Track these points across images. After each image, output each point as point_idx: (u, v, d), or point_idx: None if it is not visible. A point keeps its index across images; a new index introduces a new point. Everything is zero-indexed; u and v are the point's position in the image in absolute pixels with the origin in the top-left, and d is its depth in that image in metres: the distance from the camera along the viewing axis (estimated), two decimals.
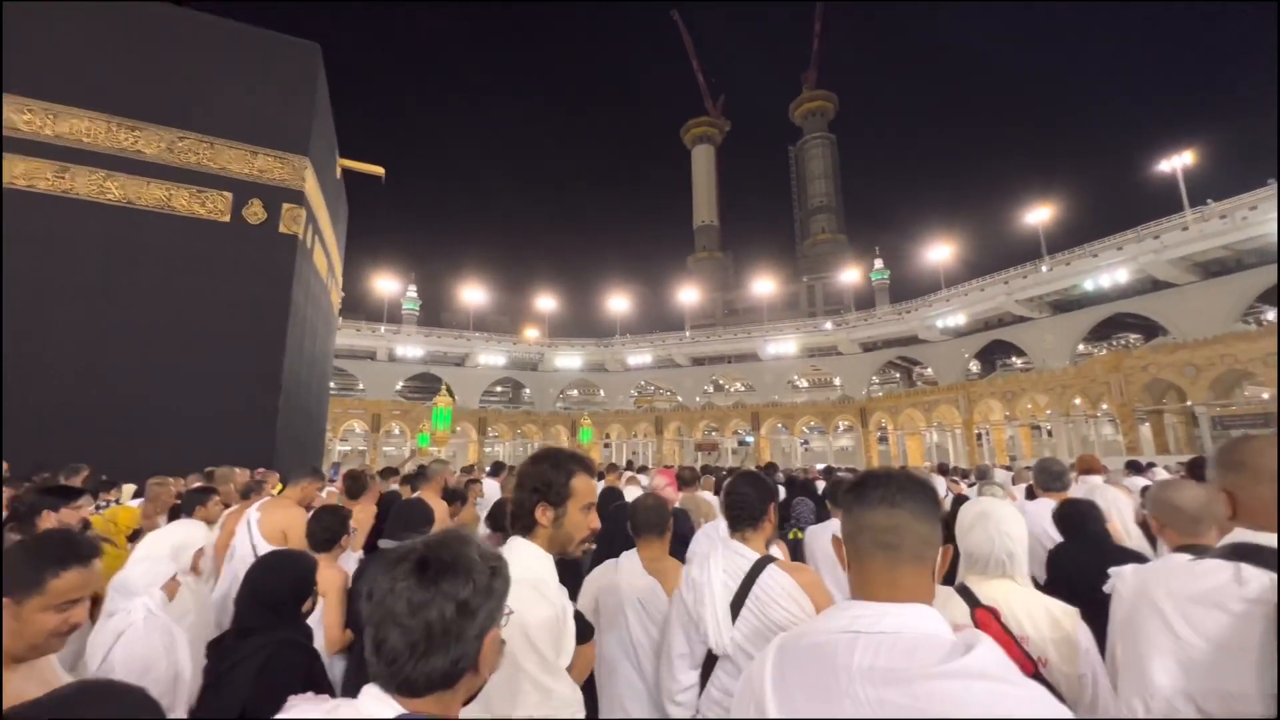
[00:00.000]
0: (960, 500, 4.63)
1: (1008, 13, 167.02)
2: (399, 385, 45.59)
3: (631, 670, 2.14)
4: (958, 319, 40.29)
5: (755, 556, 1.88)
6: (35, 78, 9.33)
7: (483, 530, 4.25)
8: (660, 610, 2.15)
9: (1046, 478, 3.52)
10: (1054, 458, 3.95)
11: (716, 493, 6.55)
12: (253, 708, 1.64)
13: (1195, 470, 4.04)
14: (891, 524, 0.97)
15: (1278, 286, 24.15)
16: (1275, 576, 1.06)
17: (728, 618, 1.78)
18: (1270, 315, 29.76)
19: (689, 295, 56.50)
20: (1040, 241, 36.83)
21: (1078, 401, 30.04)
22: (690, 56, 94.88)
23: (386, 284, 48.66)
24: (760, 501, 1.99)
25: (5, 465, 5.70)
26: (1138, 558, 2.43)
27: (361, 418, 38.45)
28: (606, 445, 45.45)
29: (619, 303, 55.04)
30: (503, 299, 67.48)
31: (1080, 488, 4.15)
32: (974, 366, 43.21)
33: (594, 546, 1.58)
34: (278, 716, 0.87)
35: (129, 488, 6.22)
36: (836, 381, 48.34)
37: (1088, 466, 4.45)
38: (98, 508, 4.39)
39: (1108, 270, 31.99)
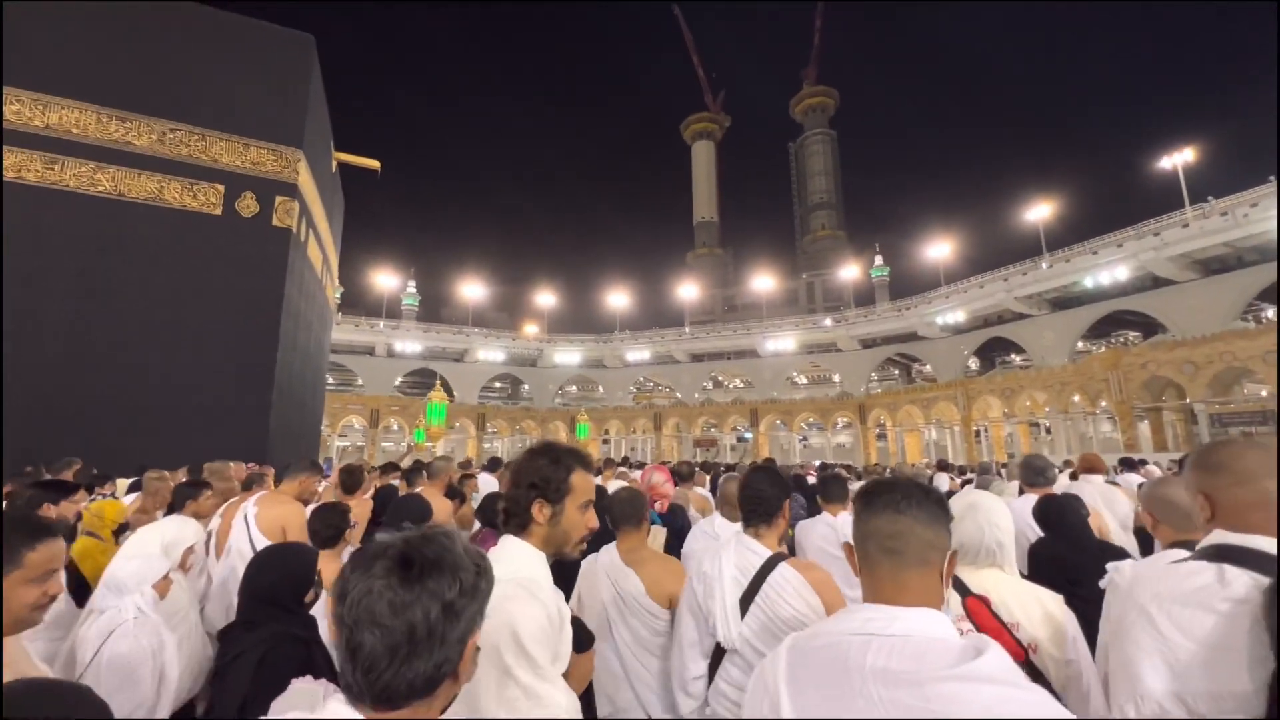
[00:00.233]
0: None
1: (1008, 10, 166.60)
2: (398, 381, 45.52)
3: (612, 657, 2.16)
4: (957, 316, 40.22)
5: (767, 553, 1.89)
6: (25, 68, 9.24)
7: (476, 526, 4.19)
8: (635, 600, 2.17)
9: (1030, 474, 3.50)
10: (1038, 454, 3.95)
11: (712, 489, 6.55)
12: (253, 698, 1.70)
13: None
14: (896, 530, 1.01)
15: (1278, 284, 24.14)
16: (1257, 577, 1.08)
17: (736, 612, 1.80)
18: (1270, 313, 29.69)
19: (688, 291, 56.38)
20: (1040, 238, 36.74)
21: (1076, 399, 30.02)
22: (691, 52, 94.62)
23: (386, 279, 48.56)
24: (777, 499, 2.00)
25: None
26: (1119, 554, 2.42)
27: (360, 413, 38.43)
28: (605, 441, 45.43)
29: (618, 299, 54.92)
30: (502, 295, 67.47)
31: (1083, 486, 4.10)
32: (973, 363, 43.15)
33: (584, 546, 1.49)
34: None
35: (123, 482, 6.16)
36: (835, 378, 48.30)
37: (1090, 465, 4.42)
38: (91, 501, 4.33)
39: (1107, 267, 31.90)
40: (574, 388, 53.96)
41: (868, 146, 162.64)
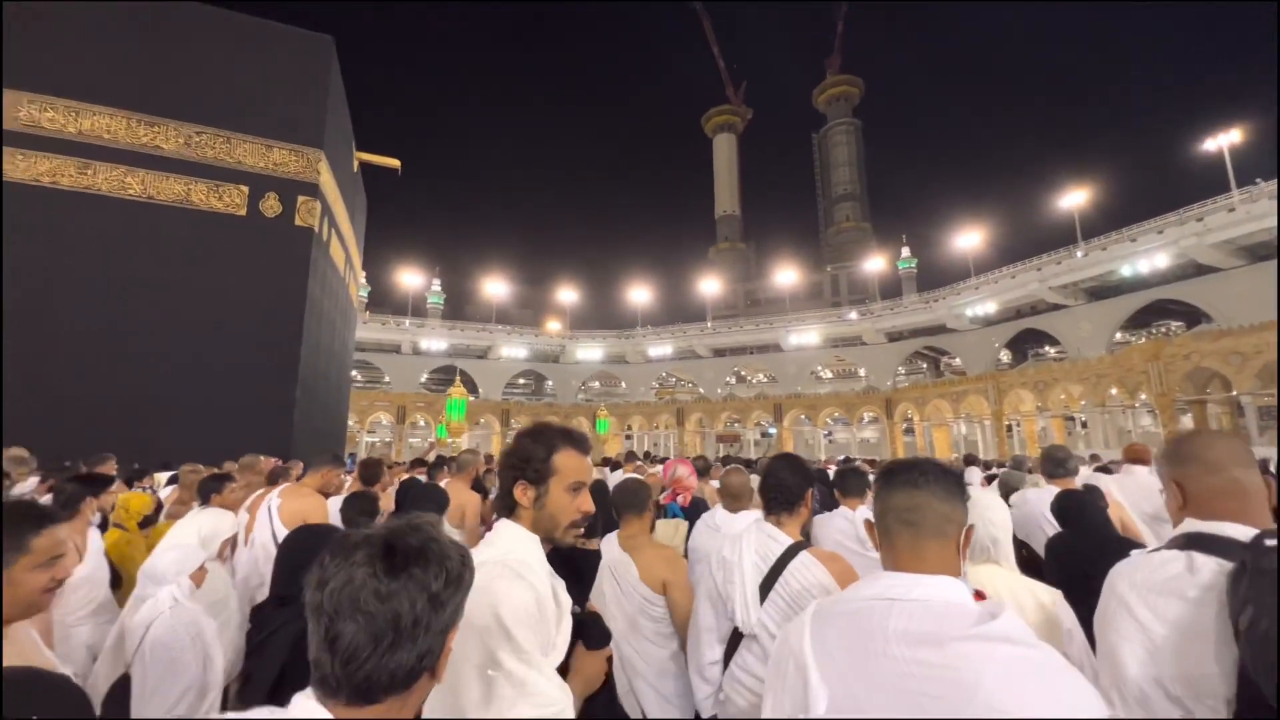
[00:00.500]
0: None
1: None
2: (423, 377, 46.23)
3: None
4: (987, 307, 39.15)
5: (789, 541, 1.90)
6: (57, 76, 9.54)
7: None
8: (629, 583, 2.26)
9: (1050, 465, 3.45)
10: (1059, 445, 3.85)
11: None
12: (292, 664, 1.74)
13: None
14: (913, 503, 1.08)
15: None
16: (1223, 563, 1.12)
17: (756, 598, 1.81)
18: None
19: (710, 286, 56.00)
20: (1075, 226, 35.50)
21: (1114, 391, 28.94)
22: (711, 44, 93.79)
23: (411, 278, 49.33)
24: (798, 487, 2.00)
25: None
26: (1138, 548, 2.34)
27: (387, 409, 39.12)
28: (628, 437, 45.48)
29: (640, 294, 54.85)
30: (525, 292, 67.97)
31: (1123, 478, 4.07)
32: (1004, 356, 41.97)
33: (582, 532, 1.39)
34: None
35: (161, 476, 6.33)
36: (861, 372, 47.52)
37: (1136, 455, 4.40)
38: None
39: (1147, 254, 30.66)
40: (597, 384, 54.12)
41: (893, 136, 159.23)
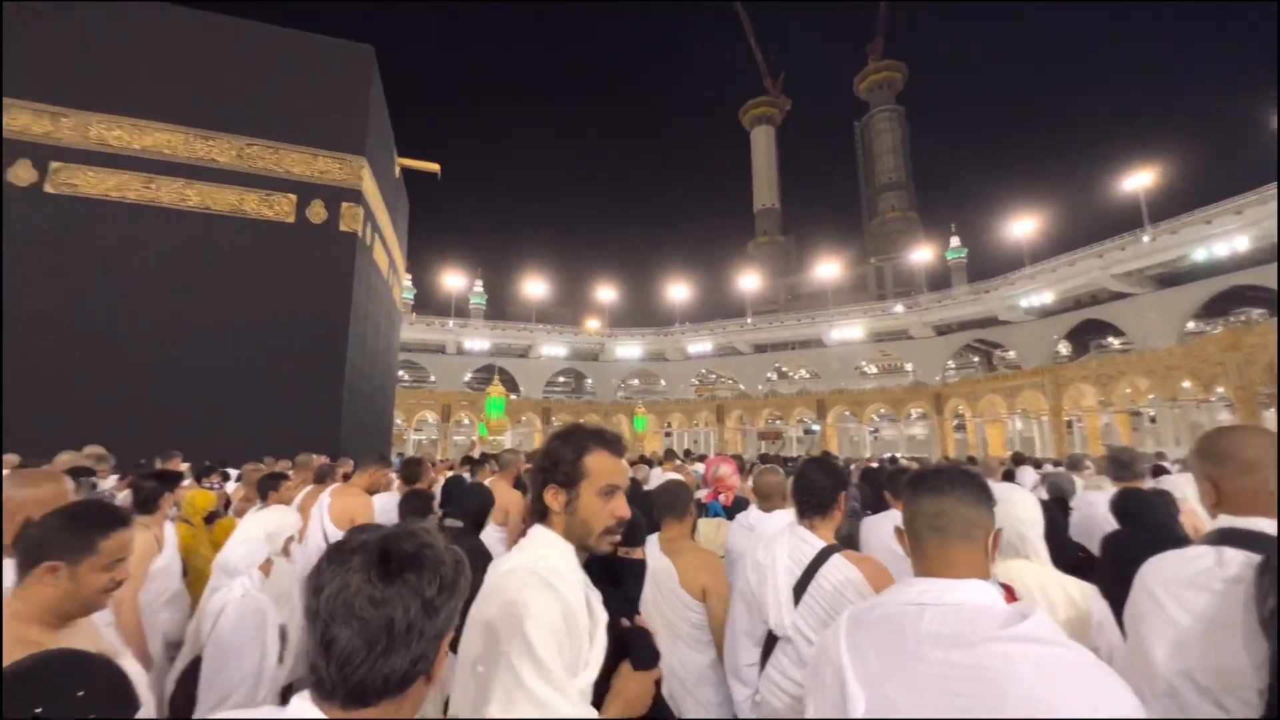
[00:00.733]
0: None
1: None
2: (467, 377, 47.32)
3: None
4: (1044, 297, 37.22)
5: (821, 544, 1.90)
6: (123, 96, 10.14)
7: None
8: (669, 588, 2.24)
9: (1116, 468, 3.28)
10: (1125, 447, 3.64)
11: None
12: None
13: None
14: (940, 509, 1.12)
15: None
16: (1252, 556, 1.13)
17: (789, 601, 1.82)
18: None
19: (750, 281, 55.24)
20: (1141, 209, 33.31)
21: (1187, 385, 27.07)
22: (748, 36, 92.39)
23: (454, 280, 50.56)
24: (830, 489, 2.00)
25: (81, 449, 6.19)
26: None
27: (433, 408, 40.24)
28: (668, 434, 45.40)
29: (678, 291, 54.65)
30: (564, 291, 68.65)
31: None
32: (1063, 348, 39.83)
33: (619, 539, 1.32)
34: None
35: (232, 472, 6.65)
36: (908, 367, 46.01)
37: None
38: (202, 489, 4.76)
39: (1224, 237, 28.52)
40: (636, 381, 54.22)
41: (940, 121, 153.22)
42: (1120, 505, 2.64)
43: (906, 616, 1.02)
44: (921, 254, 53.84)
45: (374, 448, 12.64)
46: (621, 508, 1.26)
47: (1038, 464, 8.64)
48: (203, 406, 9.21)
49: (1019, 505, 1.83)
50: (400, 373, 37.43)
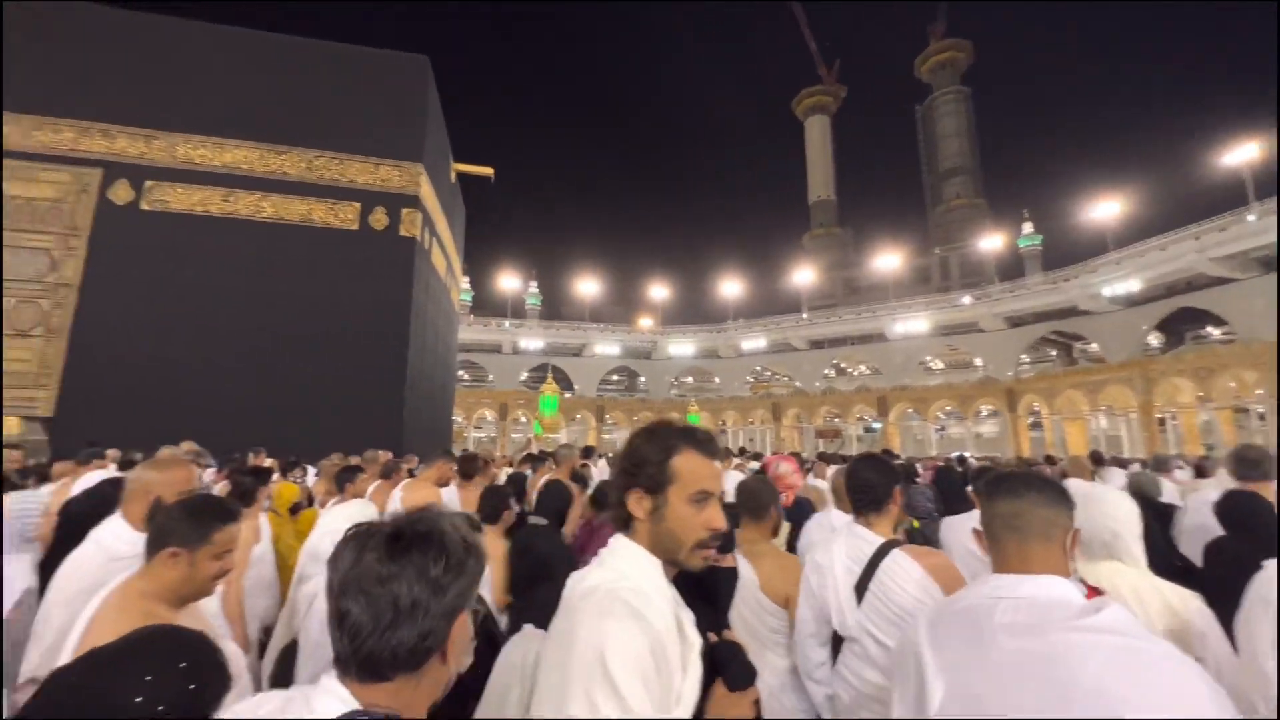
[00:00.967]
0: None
1: None
2: (523, 376, 48.41)
3: None
4: (1130, 285, 34.39)
5: (879, 541, 1.88)
6: (206, 117, 10.91)
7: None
8: (749, 591, 2.18)
9: (1245, 467, 2.95)
10: (1253, 444, 3.21)
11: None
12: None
13: None
14: (1017, 510, 1.15)
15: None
16: None
17: (851, 600, 1.81)
18: None
19: (805, 275, 53.86)
20: (1246, 185, 30.23)
21: None
22: (801, 25, 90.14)
23: (510, 281, 51.89)
24: (883, 485, 1.98)
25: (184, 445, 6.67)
26: None
27: (491, 406, 41.47)
28: (722, 432, 44.95)
29: (731, 287, 54.03)
30: (617, 290, 69.22)
31: None
32: (1154, 340, 36.70)
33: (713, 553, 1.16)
34: (224, 716, 0.86)
35: (310, 467, 7.05)
36: (977, 361, 43.60)
37: None
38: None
39: None
40: (690, 379, 53.99)
41: (1008, 101, 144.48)
42: (1226, 509, 2.41)
43: (982, 609, 1.06)
44: (991, 242, 50.99)
45: (434, 445, 13.09)
46: (716, 518, 1.10)
47: (1123, 464, 7.93)
48: (274, 405, 9.78)
49: (1110, 504, 1.74)
50: (460, 372, 38.74)
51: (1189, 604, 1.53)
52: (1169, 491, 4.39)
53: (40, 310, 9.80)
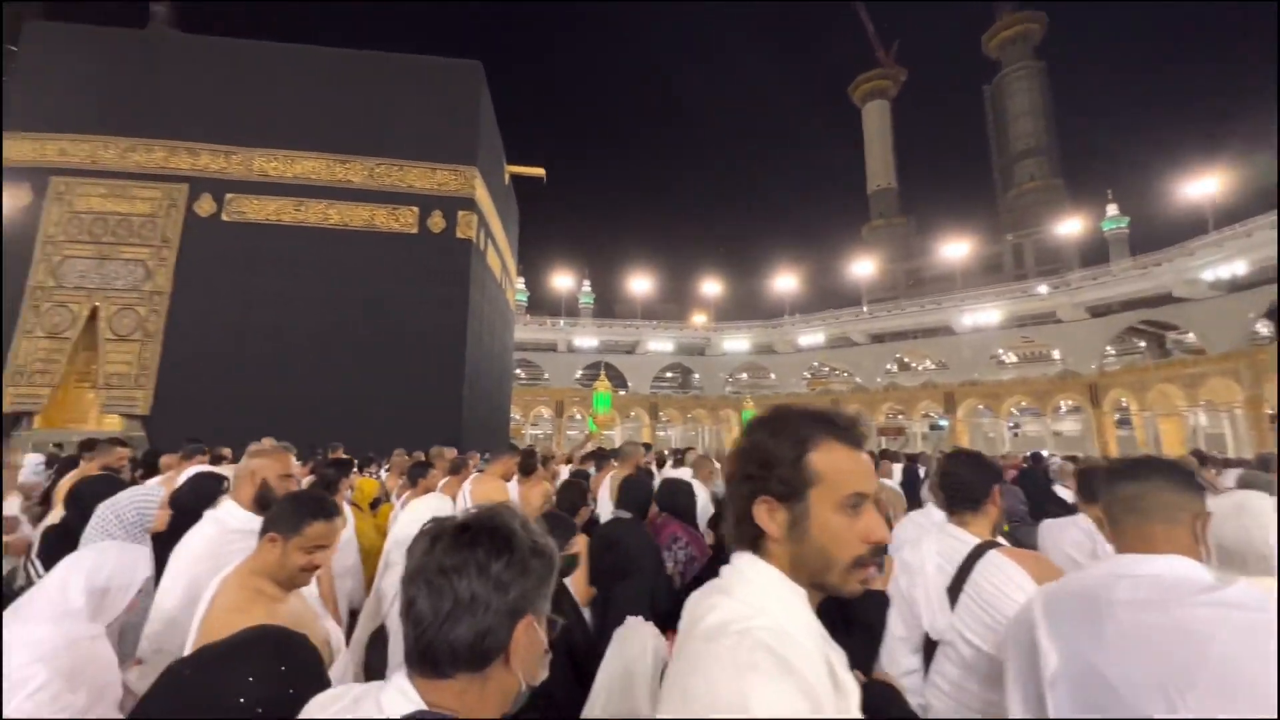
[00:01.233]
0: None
1: None
2: (578, 374, 49.06)
3: None
4: (1235, 268, 31.26)
5: (974, 541, 1.79)
6: (276, 131, 11.55)
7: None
8: None
9: None
10: None
11: (907, 481, 6.33)
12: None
13: None
14: (1137, 492, 1.14)
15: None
16: None
17: (943, 602, 1.74)
18: None
19: (864, 268, 52.08)
20: None
21: None
22: (857, 8, 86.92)
23: (563, 281, 52.76)
24: (981, 484, 1.88)
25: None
26: None
27: (547, 404, 42.27)
28: None
29: (787, 281, 52.85)
30: (669, 286, 69.00)
31: None
32: (1262, 328, 33.19)
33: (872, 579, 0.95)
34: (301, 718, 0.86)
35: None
36: (1055, 354, 40.83)
37: None
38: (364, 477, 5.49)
39: None
40: (744, 375, 53.22)
41: (1088, 75, 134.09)
42: None
43: (1101, 586, 1.06)
44: (1069, 226, 47.62)
45: (492, 442, 13.40)
46: (876, 527, 0.85)
47: (1225, 464, 7.15)
48: (341, 402, 10.27)
49: (1268, 515, 1.59)
50: (517, 371, 39.66)
51: None
52: None
53: (138, 317, 10.67)
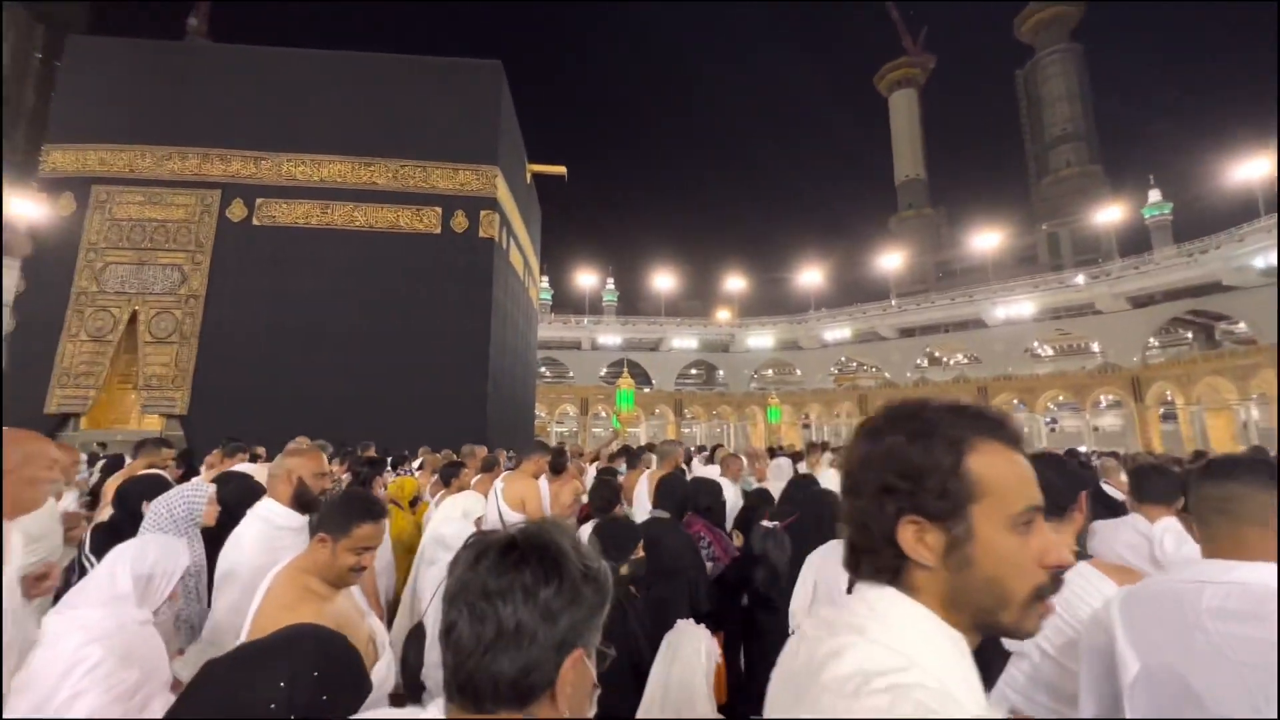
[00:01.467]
0: None
1: None
2: (602, 371, 49.17)
3: None
4: None
5: None
6: (303, 136, 11.76)
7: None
8: None
9: None
10: None
11: None
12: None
13: None
14: (1229, 494, 1.10)
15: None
16: None
17: None
18: None
19: (893, 260, 51.04)
20: None
21: None
22: None
23: (587, 279, 52.95)
24: (1067, 490, 1.74)
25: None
26: None
27: (572, 402, 42.48)
28: (806, 426, 43.58)
29: (812, 276, 52.17)
30: (693, 283, 68.76)
31: None
32: None
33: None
34: None
35: (414, 463, 7.42)
36: (1094, 347, 39.41)
37: None
38: (398, 475, 5.57)
39: None
40: (770, 371, 52.71)
41: (1127, 55, 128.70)
42: None
43: (1185, 592, 1.03)
44: (1109, 213, 45.89)
45: (518, 440, 13.48)
46: (1057, 547, 0.69)
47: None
48: (368, 401, 10.44)
49: None
50: (541, 369, 39.94)
51: None
52: None
53: (175, 320, 11.00)
